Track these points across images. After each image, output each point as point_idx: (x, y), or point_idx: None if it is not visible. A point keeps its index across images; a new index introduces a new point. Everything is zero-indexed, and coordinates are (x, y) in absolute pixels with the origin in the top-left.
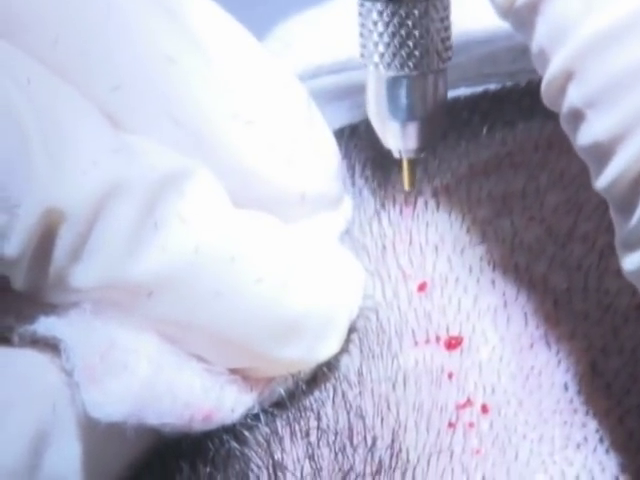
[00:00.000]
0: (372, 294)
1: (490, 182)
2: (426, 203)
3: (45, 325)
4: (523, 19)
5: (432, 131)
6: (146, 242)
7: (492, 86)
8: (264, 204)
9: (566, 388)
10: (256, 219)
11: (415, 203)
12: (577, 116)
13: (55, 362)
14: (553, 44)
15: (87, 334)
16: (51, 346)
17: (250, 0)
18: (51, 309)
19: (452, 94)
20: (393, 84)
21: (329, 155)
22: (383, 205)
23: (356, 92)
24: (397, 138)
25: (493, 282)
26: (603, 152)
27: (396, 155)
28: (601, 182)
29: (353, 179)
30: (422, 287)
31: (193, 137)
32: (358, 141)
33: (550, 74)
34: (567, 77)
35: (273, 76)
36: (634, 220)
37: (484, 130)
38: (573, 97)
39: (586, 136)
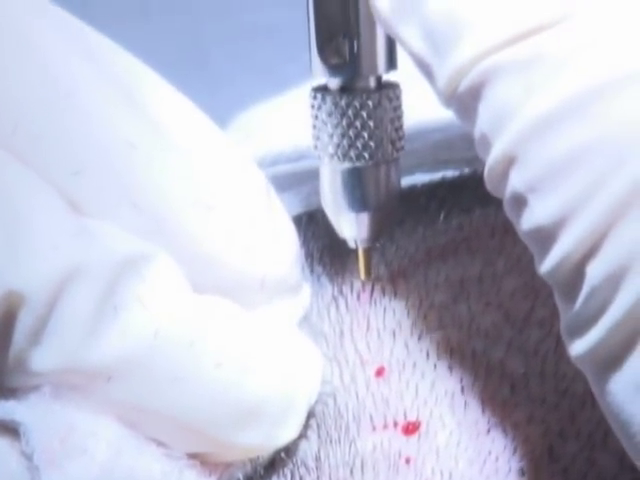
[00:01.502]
0: (330, 379)
1: (447, 267)
2: (383, 289)
3: (4, 409)
4: (465, 105)
5: (387, 220)
6: (105, 326)
7: (449, 173)
8: (224, 290)
9: (523, 473)
10: (215, 304)
11: (372, 289)
12: (520, 201)
13: (15, 446)
14: (494, 129)
15: (46, 418)
16: (11, 430)
17: (212, 87)
18: (10, 393)
19: (409, 181)
20: (348, 175)
21: (288, 241)
22: (341, 291)
23: (314, 179)
24: (352, 228)
25: (450, 367)
26: (546, 237)
27: (351, 245)
28: (545, 267)
29: (312, 266)
30: (380, 372)
31: (153, 222)
32: (316, 228)
33: (492, 159)
34: (509, 162)
35: (233, 162)
36: (578, 305)
37: (441, 216)
38: (515, 182)
39: (529, 221)
